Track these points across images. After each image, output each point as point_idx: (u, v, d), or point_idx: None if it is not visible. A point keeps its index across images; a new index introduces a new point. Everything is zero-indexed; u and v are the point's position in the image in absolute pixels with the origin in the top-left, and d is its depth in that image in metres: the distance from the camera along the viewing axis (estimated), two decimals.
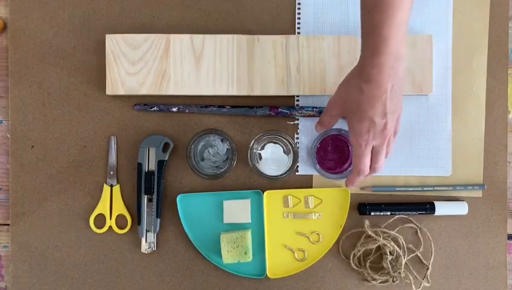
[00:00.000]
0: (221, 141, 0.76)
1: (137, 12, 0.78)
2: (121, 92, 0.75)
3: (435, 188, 0.78)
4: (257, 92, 0.75)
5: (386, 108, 0.61)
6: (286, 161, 0.76)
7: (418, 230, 0.78)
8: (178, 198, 0.76)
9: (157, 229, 0.76)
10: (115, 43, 0.75)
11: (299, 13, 0.78)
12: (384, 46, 0.58)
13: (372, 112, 0.62)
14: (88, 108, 0.78)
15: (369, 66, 0.60)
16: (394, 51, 0.58)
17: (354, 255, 0.77)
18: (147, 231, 0.76)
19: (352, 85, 0.63)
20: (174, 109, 0.77)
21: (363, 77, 0.61)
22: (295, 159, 0.75)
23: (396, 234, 0.76)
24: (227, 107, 0.77)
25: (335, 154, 0.77)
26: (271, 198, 0.77)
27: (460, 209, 0.77)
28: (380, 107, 0.61)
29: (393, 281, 0.76)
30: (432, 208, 0.77)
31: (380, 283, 0.77)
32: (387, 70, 0.59)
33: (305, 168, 0.78)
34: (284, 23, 0.78)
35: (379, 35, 0.58)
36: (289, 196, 0.77)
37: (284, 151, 0.76)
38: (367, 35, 0.60)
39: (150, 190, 0.76)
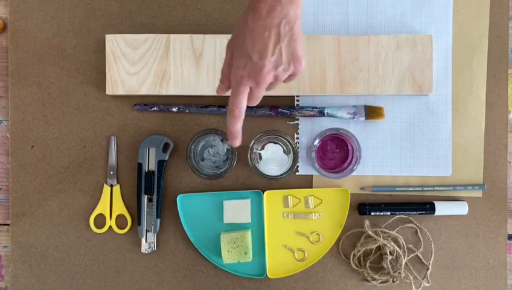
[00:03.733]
0: (221, 141, 0.76)
1: (137, 12, 0.78)
2: (121, 92, 0.75)
3: (435, 188, 0.78)
4: None
5: (268, 50, 0.56)
6: (286, 161, 0.76)
7: (418, 230, 0.78)
8: (178, 198, 0.76)
9: (157, 229, 0.76)
10: (115, 43, 0.75)
11: None
12: None
13: (251, 48, 0.57)
14: (88, 108, 0.78)
15: None
16: None
17: (354, 255, 0.77)
18: (147, 231, 0.76)
19: (241, 17, 0.59)
20: (174, 109, 0.77)
21: (249, 6, 0.57)
22: (295, 159, 0.75)
23: (396, 234, 0.76)
24: (227, 107, 0.77)
25: (334, 154, 0.77)
26: (271, 198, 0.77)
27: (461, 209, 0.77)
28: (260, 44, 0.56)
29: (393, 281, 0.76)
30: (432, 208, 0.77)
31: (380, 283, 0.77)
32: (273, 4, 0.55)
33: (305, 168, 0.78)
34: None
35: None
36: (289, 196, 0.77)
37: (284, 151, 0.76)
38: None
39: (150, 190, 0.76)
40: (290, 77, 0.61)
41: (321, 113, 0.76)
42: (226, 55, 0.62)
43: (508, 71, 0.79)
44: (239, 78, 0.59)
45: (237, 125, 0.62)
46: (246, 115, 0.77)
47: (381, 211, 0.77)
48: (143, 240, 0.76)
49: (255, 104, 0.62)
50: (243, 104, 0.61)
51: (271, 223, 0.77)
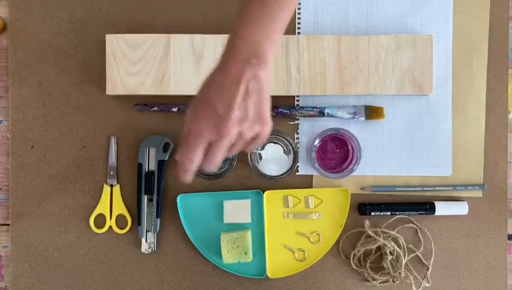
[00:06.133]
0: None
1: (137, 12, 0.78)
2: (121, 92, 0.75)
3: (435, 188, 0.78)
4: None
5: (235, 102, 0.53)
6: (286, 161, 0.76)
7: (418, 230, 0.78)
8: (178, 198, 0.76)
9: (157, 229, 0.76)
10: (115, 43, 0.75)
11: (299, 13, 0.78)
12: (246, 29, 0.53)
13: (217, 100, 0.53)
14: (88, 108, 0.78)
15: (228, 49, 0.55)
16: (252, 44, 0.53)
17: (354, 255, 0.77)
18: (147, 231, 0.76)
19: (208, 77, 0.56)
20: (174, 109, 0.77)
21: (218, 65, 0.55)
22: (295, 159, 0.75)
23: (396, 234, 0.76)
24: None
25: (335, 154, 0.77)
26: (271, 198, 0.77)
27: (461, 209, 0.77)
28: (227, 96, 0.53)
29: (393, 281, 0.76)
30: (432, 208, 0.77)
31: (380, 283, 0.77)
32: (241, 61, 0.53)
33: (305, 168, 0.78)
34: None
35: (244, 17, 0.53)
36: (289, 196, 0.77)
37: (284, 151, 0.76)
38: (236, 15, 0.55)
39: (150, 190, 0.76)
40: (254, 140, 0.57)
41: (321, 113, 0.76)
42: (187, 113, 0.57)
43: (508, 71, 0.79)
44: (199, 129, 0.54)
45: (186, 178, 0.58)
46: None
47: (381, 211, 0.77)
48: (143, 240, 0.76)
49: (211, 169, 0.56)
50: (196, 158, 0.55)
51: (271, 223, 0.77)
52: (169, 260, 0.78)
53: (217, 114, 0.54)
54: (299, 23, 0.78)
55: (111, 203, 0.77)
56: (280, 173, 0.75)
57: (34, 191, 0.77)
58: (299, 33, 0.78)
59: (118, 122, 0.78)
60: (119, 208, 0.77)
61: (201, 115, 0.55)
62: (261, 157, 0.76)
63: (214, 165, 0.56)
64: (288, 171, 0.75)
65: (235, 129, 0.54)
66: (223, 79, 0.54)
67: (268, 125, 0.56)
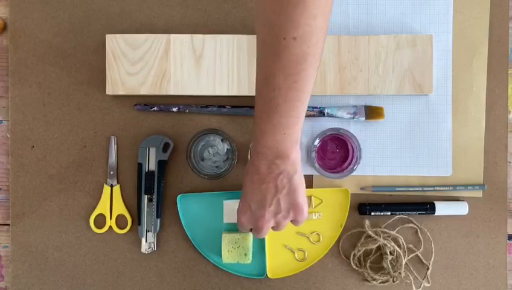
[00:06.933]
0: (221, 141, 0.76)
1: (137, 12, 0.78)
2: (121, 92, 0.75)
3: (435, 188, 0.78)
4: None
5: (266, 200, 0.60)
6: None
7: (418, 230, 0.78)
8: (178, 198, 0.76)
9: (158, 229, 0.76)
10: (115, 43, 0.75)
11: None
12: (261, 138, 0.58)
13: (250, 197, 0.62)
14: (88, 108, 0.78)
15: (252, 151, 0.60)
16: (272, 149, 0.58)
17: (354, 255, 0.77)
18: (147, 231, 0.76)
19: (246, 167, 0.63)
20: (174, 109, 0.77)
21: (250, 160, 0.62)
22: None
23: (396, 234, 0.76)
24: (227, 107, 0.77)
25: (334, 154, 0.77)
26: None
27: (461, 209, 0.77)
28: (259, 195, 0.61)
29: (393, 281, 0.76)
30: (432, 208, 0.77)
31: (380, 283, 0.77)
32: (267, 163, 0.59)
33: (305, 168, 0.78)
34: None
35: (258, 128, 0.58)
36: None
37: None
38: (253, 124, 0.59)
39: (150, 190, 0.76)
40: (293, 223, 0.64)
41: (321, 113, 0.76)
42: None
43: (508, 71, 0.79)
44: (241, 222, 0.64)
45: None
46: (247, 115, 0.78)
47: (381, 211, 0.77)
48: (143, 240, 0.76)
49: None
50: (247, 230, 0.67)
51: None
52: (169, 260, 0.78)
53: (252, 211, 0.62)
54: None
55: (111, 203, 0.77)
56: None
57: (34, 191, 0.77)
58: None
59: (118, 122, 0.78)
60: (119, 208, 0.77)
61: (242, 210, 0.64)
62: None
63: (260, 237, 0.65)
64: None
65: (269, 222, 0.62)
66: (253, 177, 0.61)
67: (301, 213, 0.62)
